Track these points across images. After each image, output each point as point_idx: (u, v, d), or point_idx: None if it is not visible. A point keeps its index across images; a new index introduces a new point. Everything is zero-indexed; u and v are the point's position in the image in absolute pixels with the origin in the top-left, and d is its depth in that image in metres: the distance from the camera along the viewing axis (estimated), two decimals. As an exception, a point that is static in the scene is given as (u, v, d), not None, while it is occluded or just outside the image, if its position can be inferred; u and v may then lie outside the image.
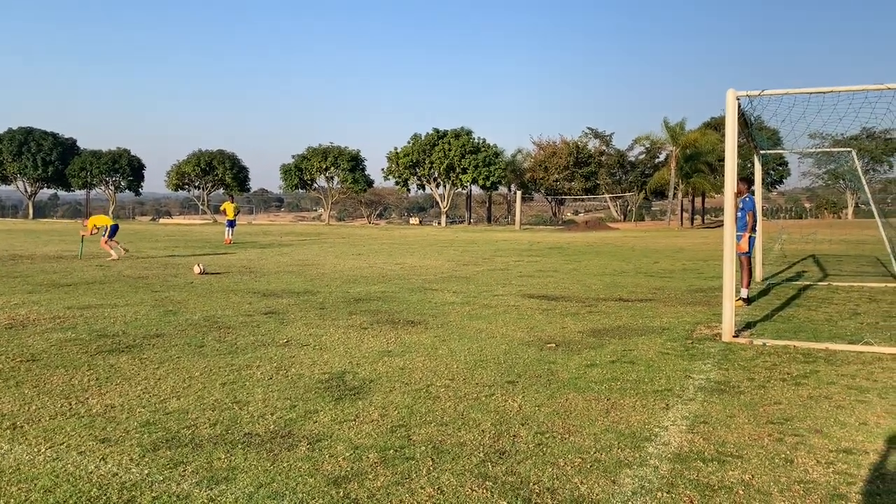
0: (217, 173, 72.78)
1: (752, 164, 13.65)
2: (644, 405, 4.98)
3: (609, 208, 79.83)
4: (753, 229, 10.48)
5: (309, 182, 70.80)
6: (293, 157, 69.94)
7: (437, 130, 65.19)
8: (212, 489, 3.50)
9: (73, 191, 77.84)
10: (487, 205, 76.50)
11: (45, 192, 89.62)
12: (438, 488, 3.53)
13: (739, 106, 7.95)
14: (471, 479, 3.64)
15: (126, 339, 7.17)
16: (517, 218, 56.99)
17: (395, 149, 66.68)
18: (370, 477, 3.65)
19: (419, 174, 66.32)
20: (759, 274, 13.40)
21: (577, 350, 6.84)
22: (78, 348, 6.71)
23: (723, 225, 7.85)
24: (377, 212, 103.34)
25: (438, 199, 68.31)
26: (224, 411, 4.76)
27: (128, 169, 74.16)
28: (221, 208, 28.47)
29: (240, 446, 4.08)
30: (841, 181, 67.78)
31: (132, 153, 75.38)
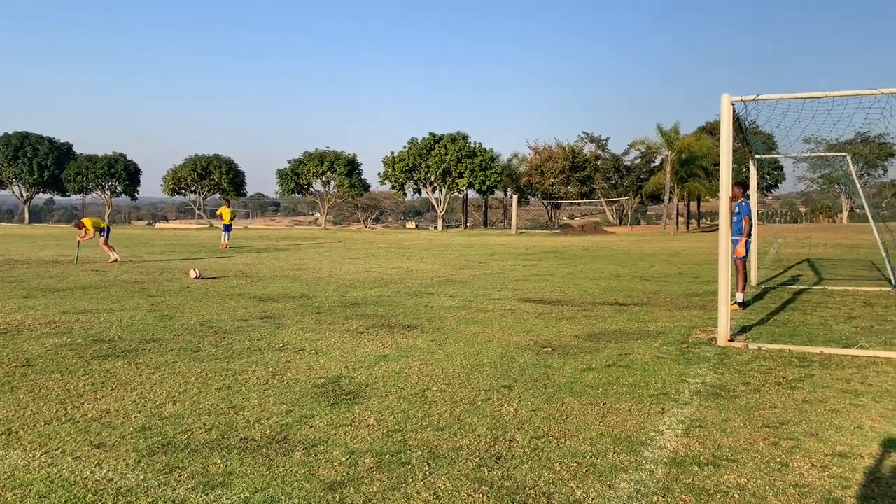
0: (213, 178, 72.73)
1: (748, 169, 13.70)
2: (640, 409, 4.98)
3: (605, 212, 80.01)
4: (749, 234, 10.51)
5: (305, 186, 70.80)
6: (289, 161, 69.97)
7: (433, 135, 65.26)
8: (207, 494, 3.49)
9: (69, 195, 77.75)
10: (484, 209, 76.55)
11: (41, 197, 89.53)
12: (434, 493, 3.53)
13: (734, 110, 7.98)
14: (467, 483, 3.64)
15: (122, 344, 7.15)
16: (513, 222, 57.04)
17: (392, 153, 66.74)
18: (366, 482, 3.65)
19: (415, 178, 66.36)
20: (754, 278, 13.43)
21: (574, 354, 6.85)
22: (73, 353, 6.70)
23: (718, 229, 7.87)
24: (374, 216, 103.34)
25: (435, 204, 68.33)
26: (220, 416, 4.75)
27: (124, 173, 74.08)
28: (218, 213, 28.47)
29: (235, 451, 4.08)
30: (836, 185, 68.05)
31: (128, 157, 75.34)
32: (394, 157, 66.11)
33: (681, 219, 64.17)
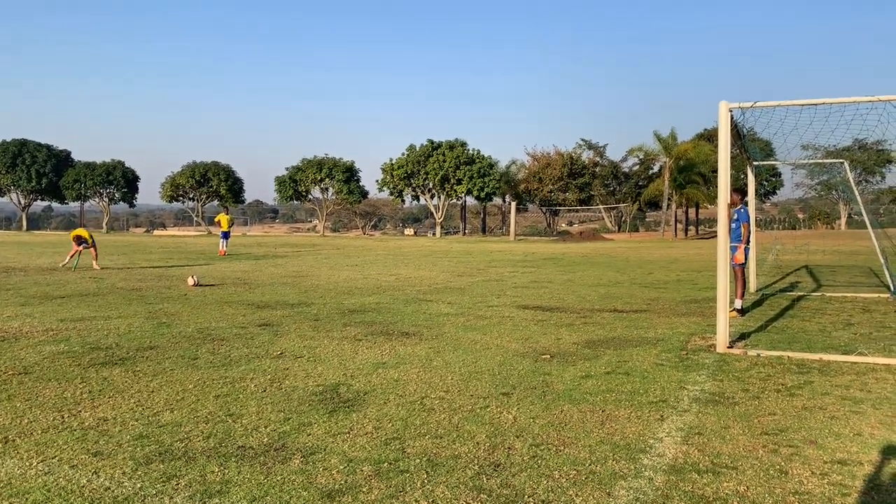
0: (212, 185, 72.77)
1: (746, 175, 13.71)
2: (639, 416, 4.97)
3: (603, 219, 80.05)
4: (747, 240, 10.51)
5: (304, 193, 70.85)
6: (287, 168, 70.07)
7: (431, 142, 65.35)
8: (205, 503, 3.47)
9: (67, 203, 77.75)
10: (482, 216, 76.58)
11: (39, 205, 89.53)
12: (433, 501, 3.51)
13: (732, 117, 7.99)
14: (465, 492, 3.63)
15: (119, 352, 7.13)
16: (512, 229, 57.09)
17: (390, 160, 66.80)
18: (364, 490, 3.64)
19: (414, 185, 66.42)
20: (752, 285, 13.43)
21: (572, 361, 6.84)
22: (70, 361, 6.68)
23: (716, 236, 7.88)
24: (372, 223, 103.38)
25: (433, 210, 68.37)
26: (217, 424, 4.74)
27: (122, 181, 74.09)
28: (216, 220, 28.45)
29: (233, 459, 4.06)
30: (834, 192, 68.17)
31: (126, 165, 75.36)
32: (392, 164, 66.18)
33: (679, 225, 64.26)
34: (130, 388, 5.67)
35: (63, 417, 4.86)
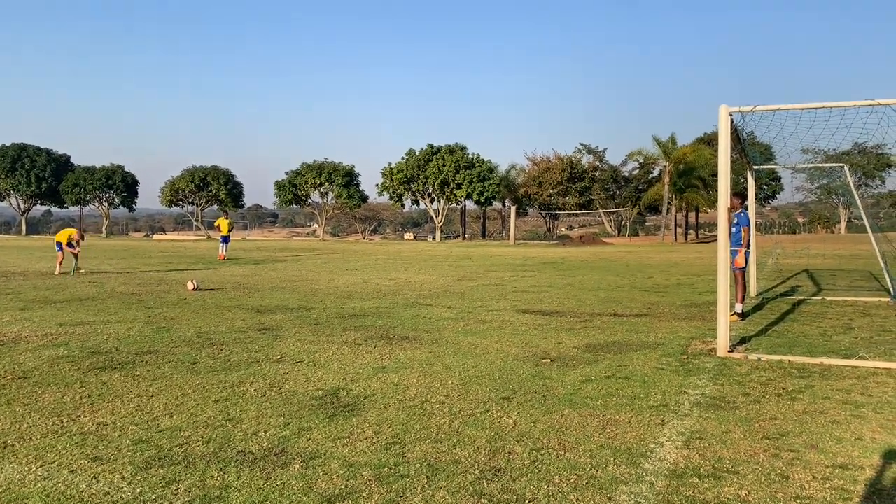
0: (211, 189, 72.82)
1: (746, 180, 13.72)
2: (640, 421, 4.96)
3: (603, 223, 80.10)
4: (748, 244, 10.51)
5: (303, 198, 70.88)
6: (287, 173, 70.10)
7: (431, 146, 65.44)
8: (204, 508, 3.46)
9: (67, 207, 77.74)
10: (482, 220, 76.62)
11: (39, 209, 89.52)
12: (433, 506, 3.50)
13: (732, 121, 8.00)
14: (466, 496, 3.62)
15: (119, 356, 7.12)
16: (511, 233, 57.10)
17: (390, 164, 66.90)
18: (364, 495, 3.63)
19: (413, 189, 66.49)
20: (753, 289, 13.43)
21: (573, 366, 6.82)
22: (70, 365, 6.66)
23: (717, 240, 7.87)
24: (372, 227, 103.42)
25: (433, 215, 68.40)
26: (217, 429, 4.72)
27: (121, 185, 74.12)
28: (216, 224, 28.46)
29: (233, 464, 4.05)
30: (833, 196, 68.24)
31: (126, 169, 75.41)
32: (392, 169, 66.26)
33: (679, 229, 64.30)
34: (130, 393, 5.65)
35: (62, 422, 4.85)
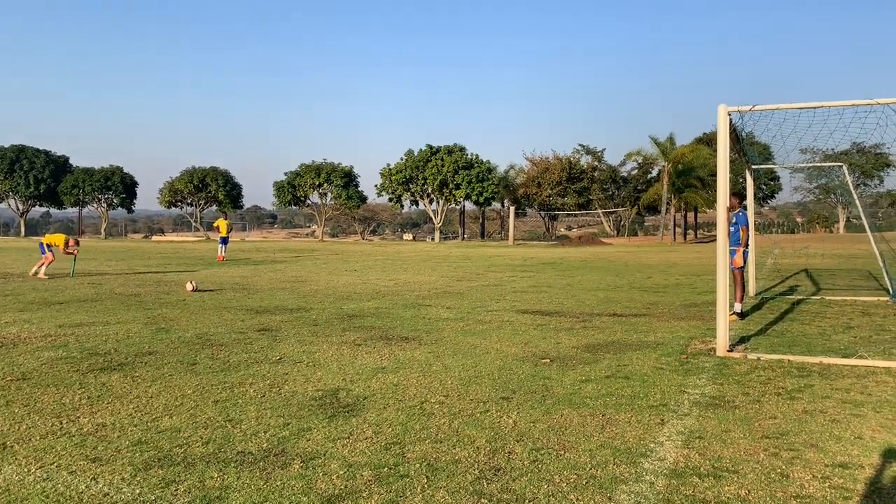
0: (210, 190, 72.75)
1: (744, 179, 13.72)
2: (639, 420, 4.96)
3: (602, 223, 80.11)
4: (746, 244, 10.51)
5: (302, 199, 70.83)
6: (286, 173, 70.04)
7: (430, 146, 65.41)
8: (204, 509, 3.46)
9: (66, 208, 77.68)
10: (481, 220, 76.60)
11: (38, 210, 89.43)
12: (433, 506, 3.50)
13: (731, 121, 8.00)
14: (466, 496, 3.62)
15: (118, 357, 7.12)
16: (511, 233, 57.09)
17: (389, 165, 66.85)
18: (364, 495, 3.62)
19: (412, 190, 66.45)
20: (752, 288, 13.43)
21: (572, 365, 6.82)
22: (69, 367, 6.66)
23: (715, 240, 7.88)
24: (371, 228, 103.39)
25: (432, 215, 68.38)
26: (216, 429, 4.72)
27: (120, 186, 74.06)
28: (214, 225, 28.45)
29: (232, 465, 4.04)
30: (832, 196, 68.26)
31: (125, 170, 75.36)
32: (391, 169, 66.22)
33: (678, 229, 64.30)
34: (129, 394, 5.65)
35: (61, 423, 4.84)
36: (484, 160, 64.73)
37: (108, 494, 3.62)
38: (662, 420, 4.97)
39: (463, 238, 73.56)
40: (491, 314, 10.62)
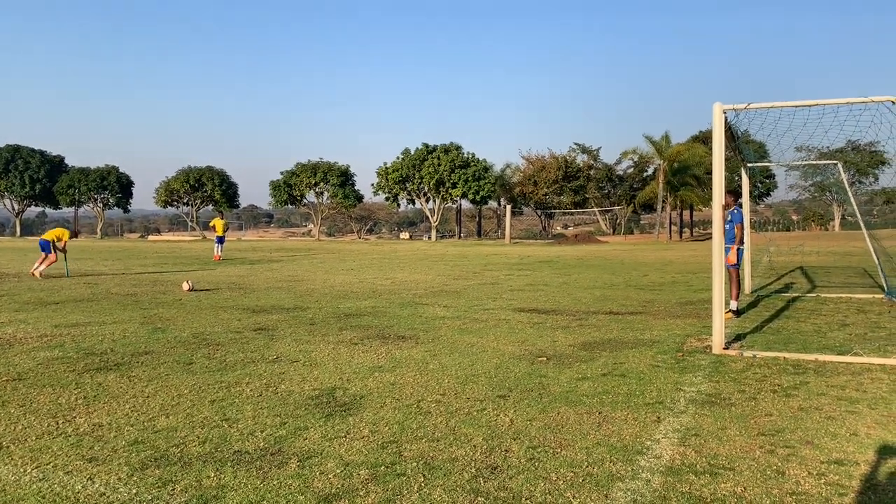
0: (206, 189, 72.65)
1: (740, 177, 13.75)
2: (636, 418, 4.97)
3: (598, 222, 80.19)
4: (741, 241, 10.53)
5: (298, 198, 70.76)
6: (282, 172, 69.95)
7: (426, 145, 65.40)
8: (201, 508, 3.46)
9: (61, 208, 77.50)
10: (477, 219, 76.65)
11: (33, 210, 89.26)
12: (430, 504, 3.50)
13: (726, 119, 8.01)
14: (463, 494, 3.62)
15: (114, 357, 7.11)
16: (507, 232, 57.12)
17: (385, 164, 66.82)
18: (361, 494, 3.63)
19: (409, 189, 66.43)
20: (747, 286, 13.46)
21: (569, 363, 6.83)
22: (65, 367, 6.65)
23: (711, 237, 7.89)
24: (367, 227, 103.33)
25: (428, 214, 68.39)
26: (213, 429, 4.72)
27: (116, 186, 73.93)
28: (211, 225, 28.40)
29: (229, 464, 4.04)
30: (827, 193, 68.35)
31: (120, 170, 75.22)
32: (387, 168, 66.19)
33: (674, 228, 64.39)
34: (125, 394, 5.64)
35: (58, 423, 4.84)
36: (480, 159, 64.81)
37: (104, 494, 3.61)
38: (659, 418, 4.98)
39: (459, 237, 73.57)
40: (487, 312, 10.62)
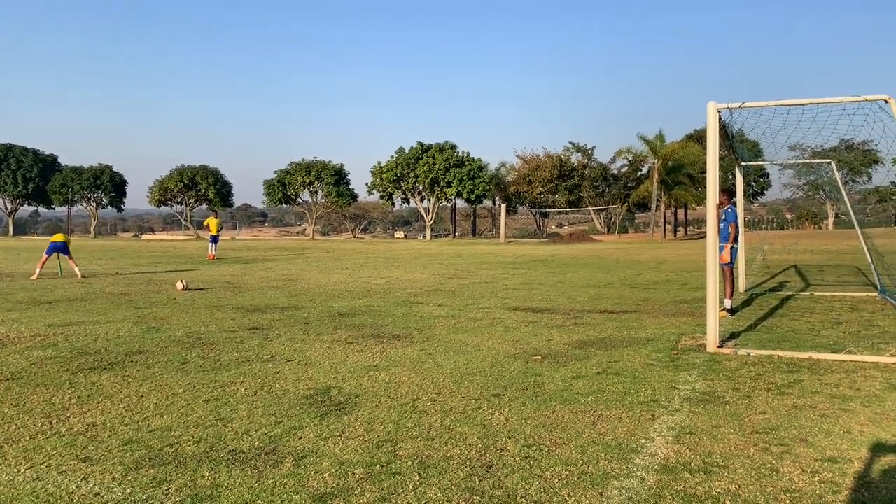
0: (200, 188, 72.50)
1: (734, 176, 13.79)
2: (630, 416, 4.98)
3: (593, 221, 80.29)
4: (735, 240, 10.55)
5: (293, 197, 70.66)
6: (276, 171, 69.83)
7: (421, 144, 65.37)
8: (196, 508, 3.45)
9: (54, 207, 77.28)
10: (472, 218, 76.66)
11: (26, 209, 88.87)
12: (425, 503, 3.50)
13: (720, 118, 8.03)
14: (458, 493, 3.62)
15: (108, 357, 7.08)
16: (502, 231, 57.14)
17: (379, 163, 66.78)
18: (356, 493, 3.62)
19: (403, 188, 66.40)
20: (741, 285, 13.49)
21: (563, 362, 6.84)
22: (59, 366, 6.62)
23: (705, 236, 7.90)
24: (362, 226, 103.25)
25: (423, 213, 68.36)
26: (208, 428, 4.71)
27: (109, 185, 73.69)
28: (205, 224, 28.35)
29: (224, 464, 4.04)
30: (821, 192, 68.63)
31: (114, 169, 74.97)
32: (381, 167, 66.15)
33: (668, 226, 64.53)
34: (119, 394, 5.63)
35: (51, 423, 4.82)
36: (475, 158, 64.81)
37: (98, 494, 3.60)
38: (653, 416, 4.99)
39: (454, 236, 73.57)
40: (482, 311, 10.63)
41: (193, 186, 72.54)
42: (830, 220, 69.18)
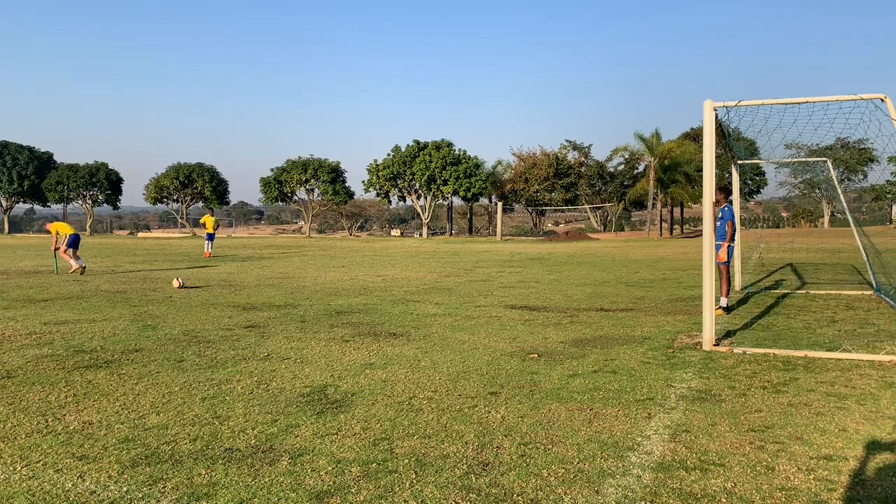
0: (196, 186, 72.32)
1: (730, 174, 13.80)
2: (626, 415, 4.99)
3: (589, 219, 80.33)
4: (732, 239, 10.57)
5: (289, 194, 70.55)
6: (272, 169, 69.70)
7: (417, 142, 65.30)
8: (192, 506, 3.45)
9: (50, 205, 77.02)
10: (468, 216, 76.61)
11: (21, 207, 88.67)
12: (422, 502, 3.50)
13: (717, 116, 8.04)
14: (454, 491, 3.62)
15: (104, 355, 7.07)
16: (498, 229, 57.15)
17: (376, 161, 66.68)
18: (353, 491, 3.62)
19: (400, 186, 66.33)
20: (737, 283, 13.52)
21: (560, 360, 6.85)
22: (55, 364, 6.61)
23: (702, 234, 7.92)
24: (358, 224, 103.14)
25: (420, 211, 68.31)
26: (204, 426, 4.70)
27: (105, 183, 73.47)
28: (201, 221, 28.30)
29: (220, 462, 4.03)
30: (817, 191, 68.75)
31: (110, 167, 74.77)
32: (378, 165, 66.06)
33: (664, 224, 64.59)
34: (116, 392, 5.62)
35: (47, 421, 4.81)
36: (471, 156, 64.75)
37: (94, 492, 3.60)
38: (649, 414, 5.00)
39: (451, 234, 73.56)
40: (479, 310, 10.63)
41: (189, 184, 72.36)
42: (826, 219, 69.32)
